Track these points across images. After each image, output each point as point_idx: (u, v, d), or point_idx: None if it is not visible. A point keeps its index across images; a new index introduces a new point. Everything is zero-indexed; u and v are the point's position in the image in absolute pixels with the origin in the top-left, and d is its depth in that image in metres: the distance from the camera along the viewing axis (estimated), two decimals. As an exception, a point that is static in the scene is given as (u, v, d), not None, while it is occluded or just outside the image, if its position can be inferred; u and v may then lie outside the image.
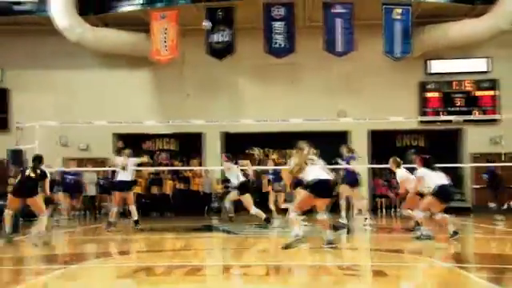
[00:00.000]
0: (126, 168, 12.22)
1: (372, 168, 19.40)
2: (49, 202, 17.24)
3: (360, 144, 19.95)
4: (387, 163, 11.78)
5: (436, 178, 9.93)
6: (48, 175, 10.14)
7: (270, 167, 16.89)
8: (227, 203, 13.68)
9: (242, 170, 13.48)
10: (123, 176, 12.28)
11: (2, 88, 20.65)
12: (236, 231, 11.27)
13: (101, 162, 19.81)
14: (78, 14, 18.91)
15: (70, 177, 16.95)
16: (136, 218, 12.48)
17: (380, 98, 19.53)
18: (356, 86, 20.02)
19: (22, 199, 10.12)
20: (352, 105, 19.52)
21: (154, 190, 19.41)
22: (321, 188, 8.66)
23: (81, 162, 19.62)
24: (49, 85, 20.19)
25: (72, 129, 19.04)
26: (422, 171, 10.13)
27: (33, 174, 9.94)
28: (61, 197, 16.58)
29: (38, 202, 10.09)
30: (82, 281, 6.30)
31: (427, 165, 10.23)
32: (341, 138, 20.25)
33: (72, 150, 20.35)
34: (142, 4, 19.21)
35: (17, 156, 11.66)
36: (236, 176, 12.97)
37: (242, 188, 12.73)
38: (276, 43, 18.48)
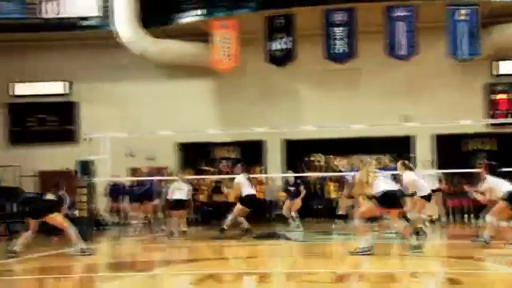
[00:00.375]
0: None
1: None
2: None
3: (424, 149, 19.62)
4: (454, 168, 11.49)
5: (503, 184, 9.63)
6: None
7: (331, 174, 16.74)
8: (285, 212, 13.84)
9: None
10: (179, 195, 12.63)
11: (70, 101, 21.34)
12: (300, 238, 11.20)
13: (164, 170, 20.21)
14: (141, 27, 19.38)
15: (137, 187, 17.27)
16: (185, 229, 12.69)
17: (444, 102, 19.07)
18: (419, 90, 19.61)
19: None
20: (415, 109, 19.09)
21: (217, 197, 19.53)
22: (389, 199, 8.85)
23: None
24: (114, 97, 20.73)
25: (138, 139, 19.42)
26: (489, 180, 9.81)
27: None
28: (128, 206, 16.95)
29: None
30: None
31: (493, 172, 9.92)
32: (404, 143, 19.96)
33: (138, 160, 20.76)
34: (203, 14, 19.47)
35: (85, 167, 12.02)
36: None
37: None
38: (336, 49, 18.32)
